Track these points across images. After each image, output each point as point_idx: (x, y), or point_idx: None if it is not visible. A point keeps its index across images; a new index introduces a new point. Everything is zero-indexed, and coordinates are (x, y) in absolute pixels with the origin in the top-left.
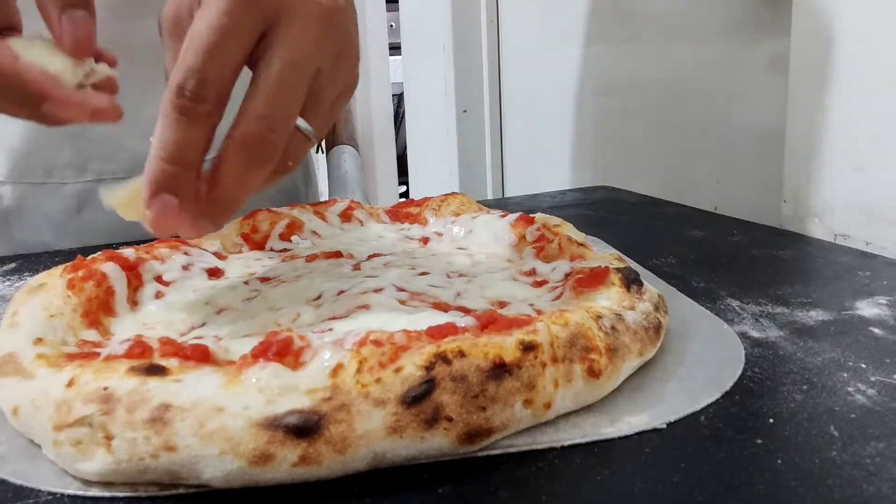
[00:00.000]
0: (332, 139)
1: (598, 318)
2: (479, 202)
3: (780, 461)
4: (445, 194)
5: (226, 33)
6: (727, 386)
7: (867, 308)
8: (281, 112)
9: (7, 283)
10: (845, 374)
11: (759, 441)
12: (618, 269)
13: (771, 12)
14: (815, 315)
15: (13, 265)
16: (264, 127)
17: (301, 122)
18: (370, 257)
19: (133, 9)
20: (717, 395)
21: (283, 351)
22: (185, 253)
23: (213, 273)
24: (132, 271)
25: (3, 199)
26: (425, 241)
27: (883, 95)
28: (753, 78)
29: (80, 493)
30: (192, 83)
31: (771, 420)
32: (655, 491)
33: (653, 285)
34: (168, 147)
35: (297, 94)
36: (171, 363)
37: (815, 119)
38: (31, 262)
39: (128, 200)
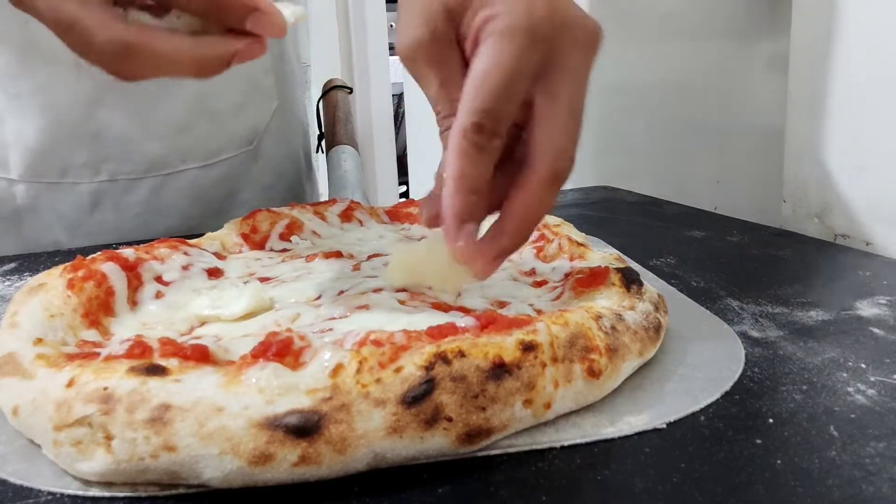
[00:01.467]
0: (332, 139)
1: (598, 318)
2: None
3: (779, 461)
4: None
5: (515, 75)
6: (727, 386)
7: (867, 308)
8: (576, 143)
9: (7, 283)
10: (845, 374)
11: (759, 441)
12: (618, 269)
13: (771, 12)
14: (815, 315)
15: (13, 265)
16: (568, 161)
17: None
18: (370, 257)
19: None
20: (717, 395)
21: (282, 351)
22: (185, 253)
23: (213, 273)
24: (132, 271)
25: (17, 197)
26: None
27: (883, 95)
28: (753, 78)
29: (80, 493)
30: (490, 123)
31: (771, 420)
32: (655, 491)
33: (653, 285)
34: (469, 180)
35: (582, 121)
36: (171, 363)
37: (815, 119)
38: (31, 262)
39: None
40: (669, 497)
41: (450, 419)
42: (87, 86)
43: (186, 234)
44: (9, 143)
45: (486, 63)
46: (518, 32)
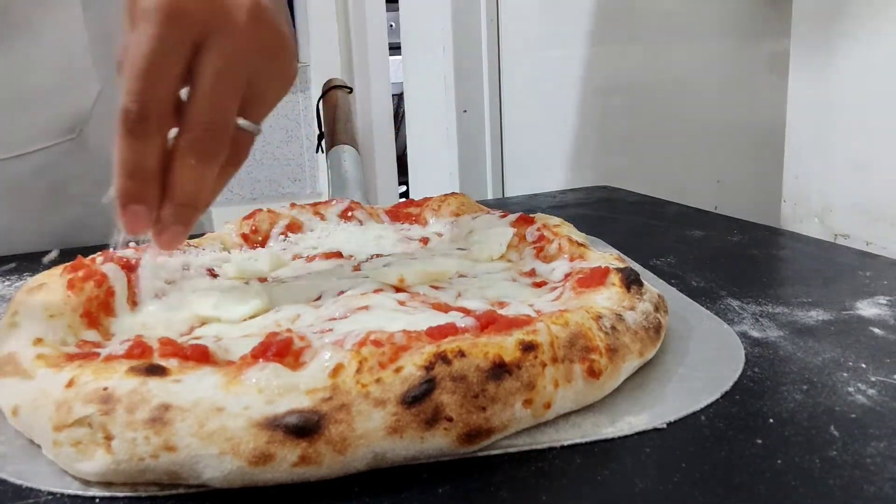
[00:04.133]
0: (332, 139)
1: (599, 318)
2: (479, 202)
3: (780, 461)
4: (445, 194)
5: (156, 56)
6: (727, 386)
7: (867, 308)
8: (218, 116)
9: (7, 283)
10: (845, 374)
11: (760, 441)
12: (618, 270)
13: (771, 12)
14: (816, 315)
15: (13, 265)
16: (204, 131)
17: (242, 122)
18: (370, 258)
19: None
20: (717, 395)
21: (282, 351)
22: (185, 253)
23: (213, 273)
24: (132, 271)
25: None
26: (425, 241)
27: (883, 95)
28: (753, 77)
29: (80, 493)
30: (134, 106)
31: (771, 420)
32: (655, 491)
33: (653, 285)
34: (125, 165)
35: (231, 97)
36: (171, 363)
37: (815, 119)
38: (31, 262)
39: None
40: (669, 497)
41: (450, 419)
42: None
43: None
44: None
45: (130, 49)
46: (157, 12)
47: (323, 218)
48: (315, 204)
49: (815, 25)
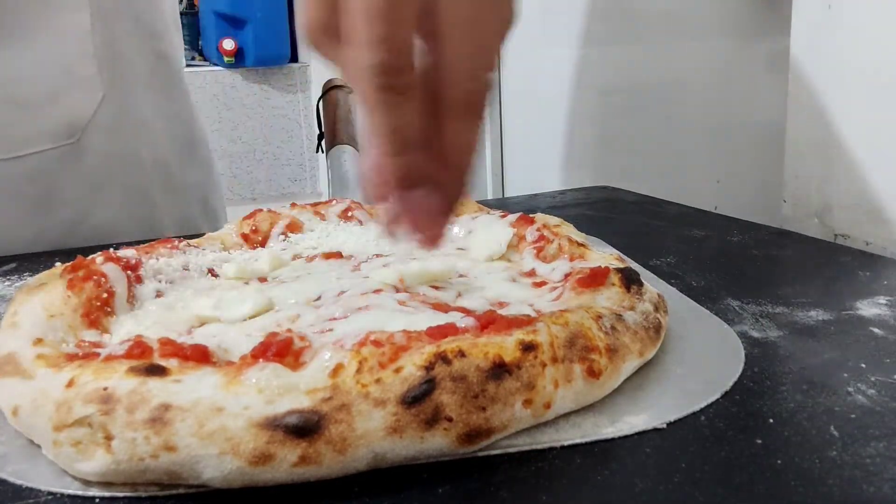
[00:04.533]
0: (333, 139)
1: (599, 318)
2: (478, 202)
3: (780, 461)
4: None
5: None
6: (727, 386)
7: (867, 308)
8: (482, 62)
9: (7, 283)
10: (845, 374)
11: (760, 441)
12: (618, 270)
13: (771, 12)
14: (816, 315)
15: (13, 265)
16: (474, 80)
17: None
18: (370, 258)
19: None
20: (717, 395)
21: (282, 351)
22: (185, 253)
23: (213, 273)
24: (133, 272)
25: None
26: None
27: (883, 95)
28: (753, 77)
29: (79, 493)
30: (384, 54)
31: (771, 420)
32: (655, 491)
33: (653, 285)
34: (395, 135)
35: (488, 43)
36: (171, 363)
37: (816, 119)
38: (31, 262)
39: None
40: (669, 497)
41: (450, 419)
42: None
43: None
44: None
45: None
46: None
47: (323, 218)
48: (315, 204)
49: (815, 25)
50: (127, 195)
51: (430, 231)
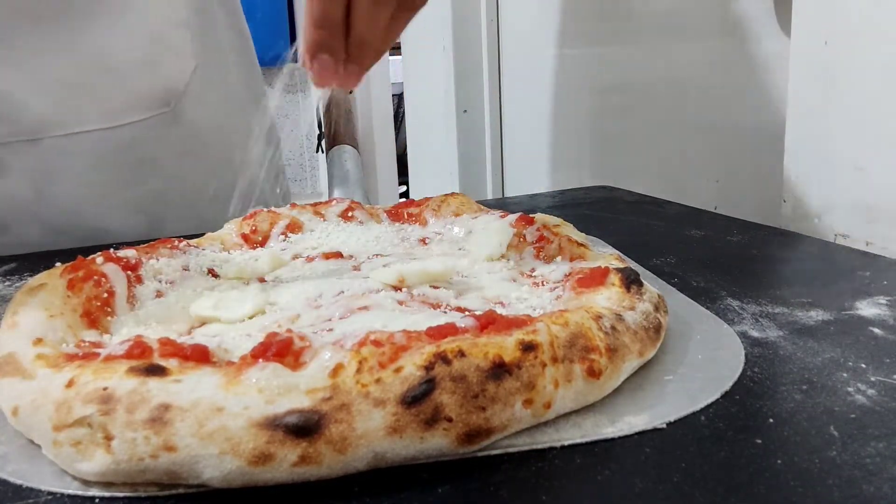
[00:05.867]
0: (333, 139)
1: (599, 318)
2: (478, 202)
3: (779, 461)
4: (445, 194)
5: None
6: (727, 386)
7: (867, 308)
8: None
9: (7, 283)
10: (845, 374)
11: (759, 441)
12: (618, 270)
13: (771, 12)
14: (815, 315)
15: (13, 265)
16: None
17: None
18: (370, 258)
19: None
20: (717, 395)
21: (282, 351)
22: (185, 253)
23: (213, 273)
24: (133, 272)
25: None
26: (425, 241)
27: (883, 95)
28: (753, 78)
29: (80, 492)
30: None
31: (771, 420)
32: (655, 491)
33: (653, 285)
34: (313, 16)
35: None
36: (171, 363)
37: (815, 118)
38: (31, 262)
39: None
40: (669, 497)
41: (450, 419)
42: None
43: (83, 202)
44: None
45: None
46: None
47: (323, 218)
48: (315, 204)
49: (815, 25)
50: (212, 165)
51: (324, 84)
